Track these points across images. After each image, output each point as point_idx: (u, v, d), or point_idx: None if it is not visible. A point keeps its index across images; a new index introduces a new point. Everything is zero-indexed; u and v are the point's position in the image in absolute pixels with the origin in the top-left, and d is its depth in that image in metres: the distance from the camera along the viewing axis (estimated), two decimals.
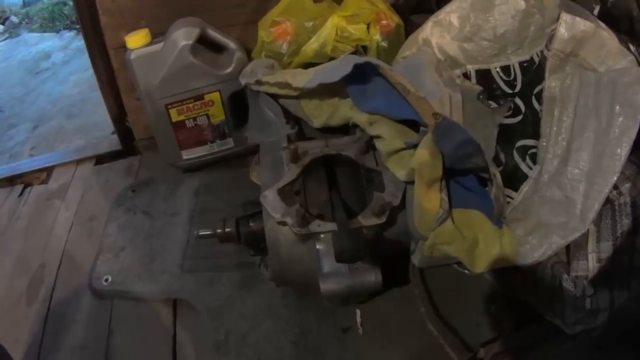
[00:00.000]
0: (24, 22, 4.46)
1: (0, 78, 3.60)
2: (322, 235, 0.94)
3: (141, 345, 1.19)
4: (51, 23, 4.22)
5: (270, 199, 0.96)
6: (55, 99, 2.98)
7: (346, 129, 1.12)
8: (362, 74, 0.98)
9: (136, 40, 1.35)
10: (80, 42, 3.70)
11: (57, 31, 4.10)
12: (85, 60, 3.22)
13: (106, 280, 1.30)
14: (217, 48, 1.41)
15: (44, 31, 4.18)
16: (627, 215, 0.91)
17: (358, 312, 1.11)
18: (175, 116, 1.42)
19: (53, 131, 2.60)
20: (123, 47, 1.40)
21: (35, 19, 4.41)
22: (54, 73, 3.37)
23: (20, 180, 1.88)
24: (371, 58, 0.98)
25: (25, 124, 2.87)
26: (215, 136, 1.48)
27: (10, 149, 2.72)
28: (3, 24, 4.41)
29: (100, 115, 2.42)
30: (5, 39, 4.23)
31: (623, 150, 0.84)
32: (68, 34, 4.02)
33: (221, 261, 1.26)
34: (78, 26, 3.90)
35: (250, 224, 1.05)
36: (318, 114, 1.12)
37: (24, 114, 3.04)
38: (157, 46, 1.35)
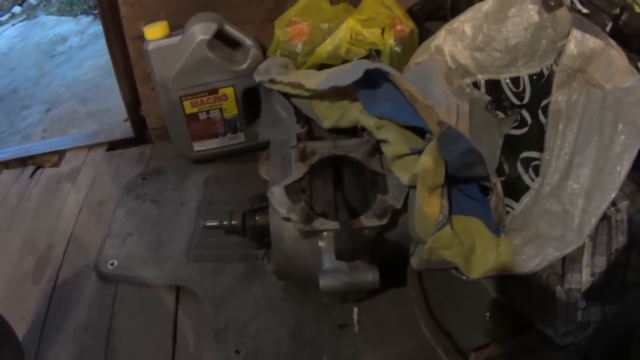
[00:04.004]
0: (41, 5, 4.49)
1: (16, 59, 3.64)
2: (324, 233, 0.96)
3: (142, 328, 1.22)
4: (69, 7, 4.24)
5: (277, 195, 0.99)
6: (69, 83, 3.01)
7: (354, 131, 1.14)
8: (372, 80, 1.01)
9: (155, 31, 1.38)
10: (97, 28, 3.73)
11: (75, 15, 4.13)
12: (100, 46, 3.27)
13: (112, 264, 1.33)
14: (234, 44, 1.44)
15: (62, 15, 4.21)
16: (622, 232, 0.93)
17: (355, 309, 1.13)
18: (189, 108, 1.45)
19: (66, 115, 2.63)
20: (141, 38, 1.43)
21: (53, 1, 4.44)
22: (69, 57, 3.40)
23: (31, 162, 1.91)
24: (382, 65, 1.00)
25: (39, 106, 2.91)
26: (227, 130, 1.51)
27: (23, 130, 2.76)
28: (21, 5, 4.45)
29: (114, 102, 2.46)
30: (23, 20, 4.26)
31: (623, 168, 0.86)
32: (85, 19, 4.05)
33: (226, 252, 1.29)
34: (96, 12, 3.94)
35: (257, 217, 1.08)
36: (328, 115, 1.14)
37: (38, 96, 3.07)
38: (175, 39, 1.38)
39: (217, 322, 1.15)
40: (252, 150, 1.56)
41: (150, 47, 1.39)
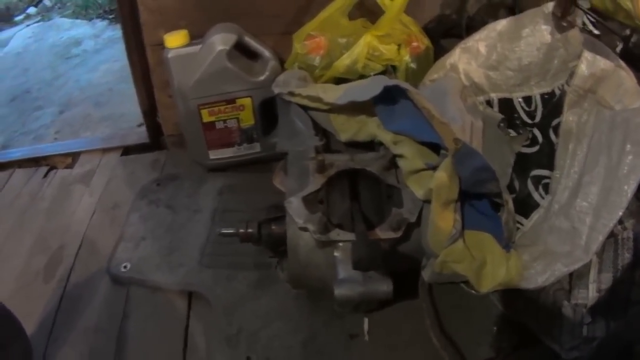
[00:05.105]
0: (56, 7, 4.52)
1: (30, 60, 3.66)
2: (340, 244, 0.99)
3: (154, 332, 1.24)
4: (84, 10, 4.27)
5: (294, 205, 1.02)
6: (83, 86, 3.02)
7: (371, 145, 1.17)
8: (390, 96, 1.04)
9: (175, 40, 1.41)
10: (112, 33, 3.75)
11: (90, 19, 4.15)
12: (115, 51, 3.30)
13: (125, 267, 1.35)
14: (252, 55, 1.47)
15: (76, 18, 4.23)
16: (629, 250, 0.96)
17: (366, 320, 1.15)
18: (206, 117, 1.48)
19: (79, 117, 2.65)
20: (160, 45, 1.46)
21: (68, 4, 4.47)
22: (84, 60, 3.42)
23: (45, 162, 1.94)
24: (400, 82, 1.03)
25: (52, 108, 2.93)
26: (243, 139, 1.54)
27: (35, 130, 2.78)
28: (36, 6, 4.49)
29: (128, 107, 2.47)
30: (38, 21, 4.29)
31: (630, 187, 0.88)
32: (100, 23, 4.07)
33: (239, 260, 1.31)
34: (111, 16, 3.96)
35: (272, 227, 1.11)
36: (346, 128, 1.18)
37: (51, 97, 3.09)
38: (195, 48, 1.41)
39: (229, 329, 1.17)
40: (267, 160, 1.59)
41: (170, 55, 1.42)
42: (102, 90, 2.84)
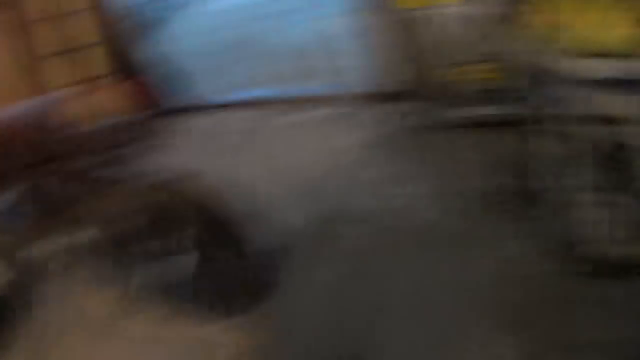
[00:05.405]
0: None
1: (246, 13, 4.01)
2: None
3: None
4: None
5: None
6: (303, 39, 3.22)
7: None
8: None
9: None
10: None
11: None
12: (335, 7, 3.39)
13: None
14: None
15: None
16: None
17: None
18: (453, 75, 1.62)
19: (306, 67, 2.78)
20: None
21: None
22: (300, 15, 3.63)
23: (291, 104, 2.21)
24: None
25: (280, 56, 3.16)
26: (485, 100, 1.64)
27: (263, 74, 3.01)
28: None
29: (355, 62, 2.60)
30: None
31: None
32: None
33: None
34: None
35: None
36: None
37: (272, 47, 3.35)
38: (439, 10, 1.53)
39: None
40: (501, 123, 1.61)
41: (415, 15, 1.55)
42: (329, 44, 2.95)
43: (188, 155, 1.34)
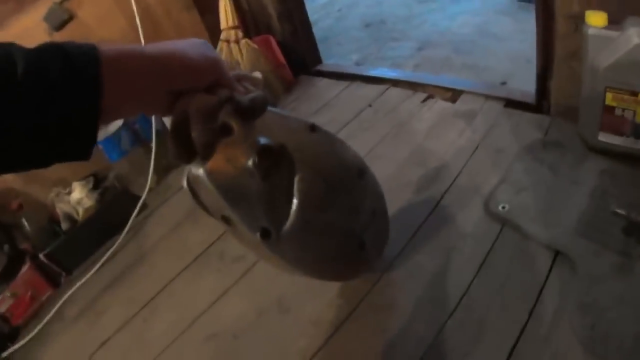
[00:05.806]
0: None
1: None
2: None
3: (512, 274, 1.32)
4: None
5: None
6: (441, 31, 3.16)
7: None
8: None
9: (596, 19, 1.44)
10: None
11: None
12: (475, 5, 3.35)
13: (503, 207, 1.46)
14: None
15: None
16: None
17: None
18: (609, 100, 1.49)
19: (439, 58, 2.79)
20: (572, 17, 1.51)
21: None
22: (440, 7, 3.54)
23: (422, 90, 2.11)
24: None
25: (409, 43, 3.13)
26: (632, 133, 1.53)
27: (392, 57, 3.02)
28: None
29: (492, 62, 2.56)
30: None
31: None
32: None
33: (609, 240, 1.31)
34: None
35: None
36: None
37: (408, 33, 3.30)
38: (613, 33, 1.42)
39: (586, 297, 1.21)
40: None
41: (591, 32, 1.44)
42: (463, 39, 2.94)
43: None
